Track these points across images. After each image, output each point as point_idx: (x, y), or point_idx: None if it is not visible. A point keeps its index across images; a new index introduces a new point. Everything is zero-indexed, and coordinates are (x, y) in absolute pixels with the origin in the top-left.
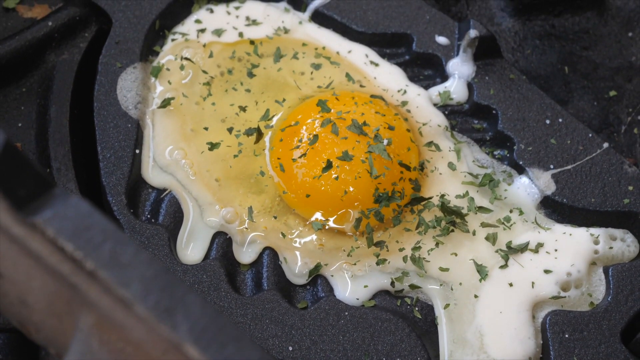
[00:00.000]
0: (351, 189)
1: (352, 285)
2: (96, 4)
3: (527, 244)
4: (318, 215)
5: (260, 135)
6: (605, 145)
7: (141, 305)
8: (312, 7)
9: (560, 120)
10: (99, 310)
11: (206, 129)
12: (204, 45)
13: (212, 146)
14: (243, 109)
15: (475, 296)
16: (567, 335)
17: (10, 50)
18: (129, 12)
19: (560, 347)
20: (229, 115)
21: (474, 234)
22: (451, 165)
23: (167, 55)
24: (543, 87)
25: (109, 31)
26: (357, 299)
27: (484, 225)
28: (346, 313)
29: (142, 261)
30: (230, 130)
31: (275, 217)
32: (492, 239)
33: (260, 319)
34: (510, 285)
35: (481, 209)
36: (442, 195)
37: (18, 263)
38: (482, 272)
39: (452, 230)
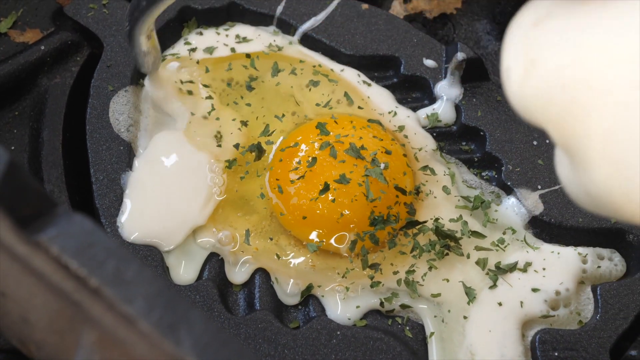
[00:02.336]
0: (347, 212)
1: (344, 306)
2: (88, 28)
3: (516, 263)
4: (314, 237)
5: (261, 152)
6: None
7: (145, 321)
8: (300, 30)
9: (547, 141)
10: (102, 327)
11: (219, 145)
12: (197, 62)
13: (230, 163)
14: (245, 123)
15: (465, 317)
16: (556, 354)
17: (3, 74)
18: (120, 36)
19: None
20: (233, 131)
21: (468, 257)
22: (445, 189)
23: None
24: None
25: (101, 55)
26: (349, 318)
27: (477, 248)
28: (338, 332)
29: (145, 278)
30: (236, 146)
31: (271, 239)
32: (482, 263)
33: (253, 339)
34: (500, 304)
35: (475, 233)
36: (437, 219)
37: (20, 281)
38: (470, 294)
39: (447, 254)
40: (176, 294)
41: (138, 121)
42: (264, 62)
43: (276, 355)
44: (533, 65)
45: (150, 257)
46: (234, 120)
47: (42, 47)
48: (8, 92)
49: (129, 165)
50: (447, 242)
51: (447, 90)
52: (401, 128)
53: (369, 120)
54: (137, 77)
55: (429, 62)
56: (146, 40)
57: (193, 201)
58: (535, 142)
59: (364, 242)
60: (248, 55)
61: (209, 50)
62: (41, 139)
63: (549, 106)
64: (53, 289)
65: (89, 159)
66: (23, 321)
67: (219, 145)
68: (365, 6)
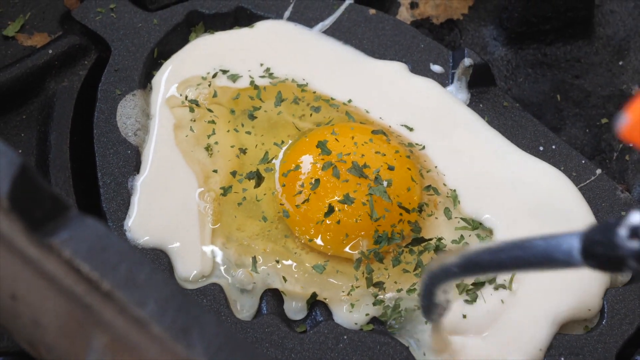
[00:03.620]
0: (352, 231)
1: (351, 313)
2: (95, 32)
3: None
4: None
5: (260, 179)
6: (599, 171)
7: (157, 325)
8: None
9: (553, 147)
10: (113, 330)
11: (215, 171)
12: (209, 85)
13: (225, 191)
14: (243, 151)
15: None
16: (563, 359)
17: (11, 78)
18: (127, 40)
19: None
20: (231, 158)
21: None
22: (447, 212)
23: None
24: (536, 114)
25: (108, 59)
26: (356, 323)
27: None
28: (345, 337)
29: (157, 281)
30: (233, 174)
31: (277, 261)
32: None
33: (260, 343)
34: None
35: None
36: (440, 239)
37: (32, 284)
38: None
39: None
40: (188, 298)
41: (146, 125)
42: (269, 92)
43: (283, 359)
44: None
45: (158, 260)
46: (232, 147)
47: (50, 51)
48: (16, 96)
49: (137, 169)
50: None
51: (454, 96)
52: (410, 145)
53: (373, 132)
54: (144, 82)
55: (436, 68)
56: (442, 293)
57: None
58: (541, 148)
59: (368, 260)
60: (256, 87)
61: (233, 78)
62: (49, 143)
63: None
64: (64, 292)
65: (97, 162)
66: (34, 324)
67: (215, 171)
68: (372, 11)
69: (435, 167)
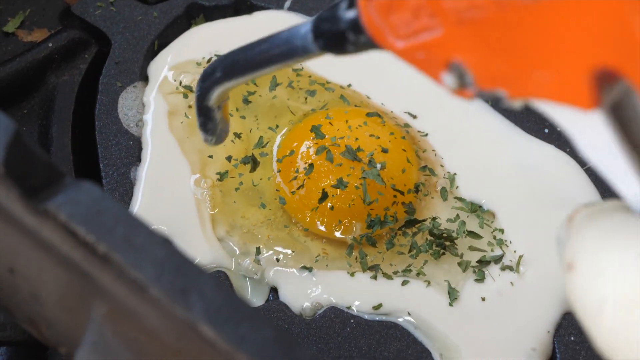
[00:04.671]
0: (345, 216)
1: None
2: (95, 26)
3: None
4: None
5: (255, 164)
6: None
7: (155, 287)
8: None
9: (559, 129)
10: (112, 297)
11: (211, 156)
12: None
13: (222, 176)
14: (238, 135)
15: None
16: (572, 338)
17: (11, 73)
18: (127, 33)
19: (566, 350)
20: (225, 143)
21: (461, 256)
22: (443, 193)
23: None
24: None
25: (109, 52)
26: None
27: (471, 248)
28: (352, 321)
29: (154, 244)
30: (229, 159)
31: (283, 250)
32: (463, 265)
33: None
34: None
35: (471, 233)
36: (434, 219)
37: (30, 257)
38: (452, 294)
39: (443, 254)
40: (186, 259)
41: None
42: (264, 76)
43: None
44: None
45: None
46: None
47: (50, 44)
48: (16, 90)
49: (139, 160)
50: (442, 241)
51: None
52: (406, 125)
53: (368, 115)
54: (145, 73)
55: None
56: (215, 110)
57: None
58: (546, 130)
59: (360, 245)
60: None
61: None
62: (50, 136)
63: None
64: (62, 260)
65: (99, 154)
66: (33, 298)
67: (210, 157)
68: None
69: (433, 150)
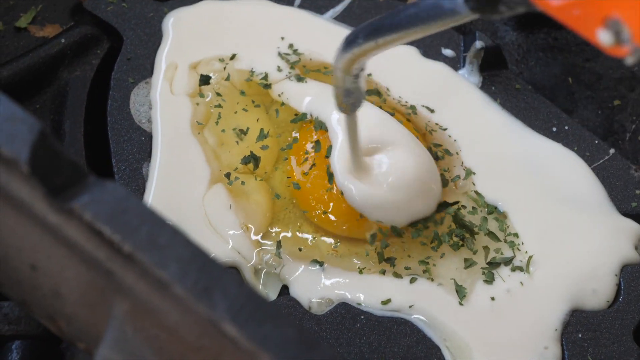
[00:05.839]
0: None
1: None
2: (107, 22)
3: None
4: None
5: (257, 160)
6: (612, 151)
7: (179, 285)
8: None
9: (566, 127)
10: (134, 295)
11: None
12: (224, 68)
13: (229, 180)
14: (244, 132)
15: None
16: (580, 335)
17: (24, 68)
18: (139, 29)
19: (574, 347)
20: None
21: (475, 253)
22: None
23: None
24: (548, 97)
25: (121, 48)
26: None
27: (485, 249)
28: (362, 317)
29: (179, 243)
30: (227, 174)
31: (300, 249)
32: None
33: None
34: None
35: (491, 234)
36: (460, 207)
37: (52, 254)
38: (460, 292)
39: (462, 245)
40: (209, 258)
41: None
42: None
43: None
44: None
45: None
46: (234, 129)
47: (63, 40)
48: (29, 86)
49: (150, 155)
50: (463, 233)
51: (466, 79)
52: (413, 108)
53: (367, 92)
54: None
55: (448, 52)
56: (351, 78)
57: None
58: (554, 129)
59: (385, 235)
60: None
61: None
62: (62, 131)
63: None
64: (85, 259)
65: (111, 149)
66: (54, 295)
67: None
68: None
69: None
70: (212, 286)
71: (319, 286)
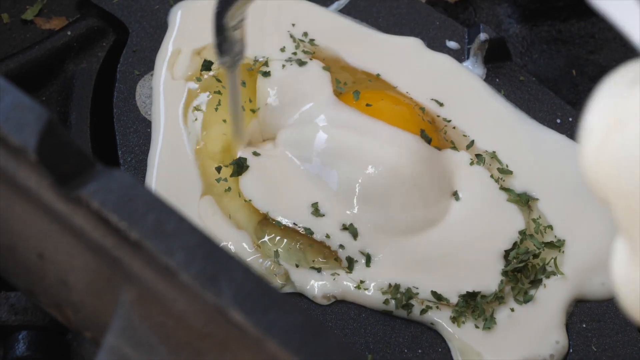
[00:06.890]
0: None
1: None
2: (113, 15)
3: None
4: None
5: (241, 167)
6: None
7: (185, 272)
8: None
9: (570, 119)
10: (141, 283)
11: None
12: None
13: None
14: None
15: None
16: (584, 325)
17: (30, 60)
18: (145, 22)
19: (578, 337)
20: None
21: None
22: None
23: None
24: (552, 89)
25: (127, 41)
26: None
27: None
28: (367, 308)
29: (185, 230)
30: (218, 169)
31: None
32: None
33: None
34: None
35: (550, 244)
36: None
37: (59, 242)
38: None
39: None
40: (216, 245)
41: None
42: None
43: None
44: (618, 127)
45: None
46: (224, 121)
47: (69, 32)
48: (35, 78)
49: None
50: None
51: (471, 70)
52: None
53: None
54: None
55: (452, 44)
56: (232, 30)
57: None
58: (558, 120)
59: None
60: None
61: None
62: (69, 123)
63: (625, 179)
64: (92, 247)
65: (117, 141)
66: (61, 283)
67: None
68: None
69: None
70: (219, 273)
71: (320, 284)
